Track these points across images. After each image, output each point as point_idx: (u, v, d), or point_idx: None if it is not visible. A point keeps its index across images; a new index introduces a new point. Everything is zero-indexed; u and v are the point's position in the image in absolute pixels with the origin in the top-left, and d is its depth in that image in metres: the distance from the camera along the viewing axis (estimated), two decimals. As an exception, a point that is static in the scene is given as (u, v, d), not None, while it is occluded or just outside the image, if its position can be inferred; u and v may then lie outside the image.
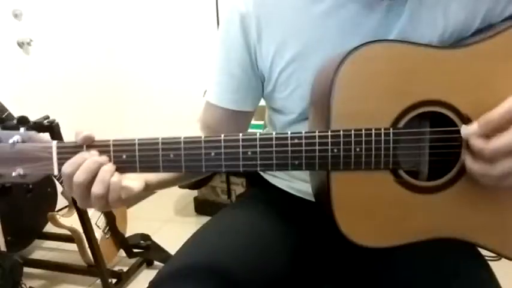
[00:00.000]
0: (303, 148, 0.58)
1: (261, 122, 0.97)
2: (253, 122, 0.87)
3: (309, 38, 0.69)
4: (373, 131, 0.58)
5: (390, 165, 0.59)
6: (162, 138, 0.59)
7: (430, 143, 0.61)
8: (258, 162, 0.59)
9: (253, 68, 0.74)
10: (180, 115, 2.27)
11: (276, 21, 0.70)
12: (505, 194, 0.61)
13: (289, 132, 0.58)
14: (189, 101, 2.37)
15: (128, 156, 0.59)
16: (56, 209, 1.86)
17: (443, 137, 0.60)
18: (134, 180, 0.62)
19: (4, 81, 2.00)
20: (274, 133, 0.58)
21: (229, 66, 0.75)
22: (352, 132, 0.58)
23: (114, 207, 0.60)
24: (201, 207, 2.34)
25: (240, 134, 0.58)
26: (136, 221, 1.90)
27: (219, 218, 0.78)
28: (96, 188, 0.57)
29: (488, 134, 0.53)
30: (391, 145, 0.59)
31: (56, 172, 0.59)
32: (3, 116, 1.44)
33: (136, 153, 0.59)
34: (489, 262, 0.68)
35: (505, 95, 0.57)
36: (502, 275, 0.71)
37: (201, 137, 0.59)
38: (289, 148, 0.58)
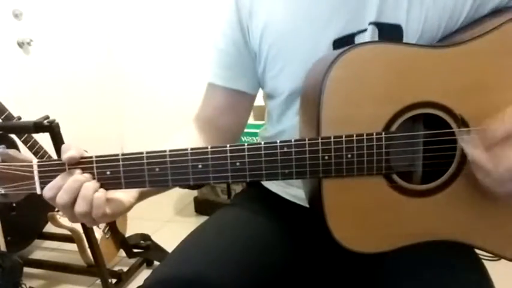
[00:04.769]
0: (293, 157, 0.57)
1: (262, 122, 0.97)
2: (254, 122, 0.87)
3: (298, 13, 0.70)
4: (365, 136, 0.57)
5: (383, 170, 0.58)
6: (147, 152, 0.57)
7: (424, 146, 0.61)
8: (247, 173, 0.58)
9: (246, 46, 0.75)
10: (180, 115, 2.26)
11: None
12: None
13: (278, 141, 0.57)
14: (189, 101, 2.37)
15: (112, 172, 0.57)
16: (56, 209, 1.86)
17: (437, 139, 0.60)
18: (125, 193, 0.61)
19: (4, 81, 2.00)
20: (262, 142, 0.57)
21: (223, 43, 0.76)
22: (343, 138, 0.57)
23: (102, 222, 0.59)
24: (201, 207, 2.34)
25: (228, 145, 0.57)
26: (136, 221, 1.90)
27: (215, 219, 0.77)
28: (78, 206, 0.55)
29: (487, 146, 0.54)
30: (384, 150, 0.58)
31: (38, 192, 0.58)
32: (3, 116, 1.43)
33: (121, 169, 0.57)
34: (488, 262, 0.67)
35: (499, 93, 0.57)
36: (501, 275, 0.71)
37: (187, 149, 0.57)
38: (279, 157, 0.57)
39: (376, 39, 0.68)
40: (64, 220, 1.64)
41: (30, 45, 2.11)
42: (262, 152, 0.57)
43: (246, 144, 0.58)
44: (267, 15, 0.71)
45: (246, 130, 0.87)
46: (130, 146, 2.80)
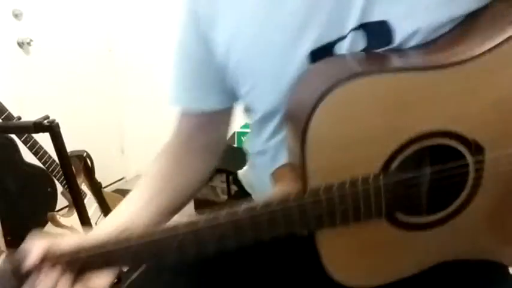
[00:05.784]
0: (280, 214, 0.51)
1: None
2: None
3: (267, 23, 0.59)
4: (360, 180, 0.51)
5: (383, 214, 0.53)
6: (111, 239, 0.54)
7: (430, 180, 0.54)
8: (233, 243, 0.52)
9: (208, 60, 0.66)
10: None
11: (230, 4, 0.61)
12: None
13: (259, 205, 0.51)
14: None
15: (82, 263, 0.55)
16: (56, 209, 1.86)
17: (446, 173, 0.54)
18: (102, 277, 0.58)
19: (4, 81, 2.00)
20: (241, 208, 0.52)
21: (181, 60, 0.70)
22: (335, 187, 0.50)
23: None
24: (201, 207, 2.34)
25: (202, 221, 0.52)
26: (136, 221, 1.90)
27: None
28: None
29: None
30: (383, 194, 0.51)
31: None
32: (3, 116, 1.44)
33: (88, 260, 0.55)
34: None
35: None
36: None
37: (155, 230, 0.53)
38: (266, 217, 0.51)
39: (362, 46, 0.57)
40: (64, 220, 1.65)
41: (30, 45, 2.11)
42: (246, 222, 0.52)
43: (223, 213, 0.52)
44: (232, 27, 0.61)
45: (244, 130, 0.86)
46: (130, 146, 2.80)
